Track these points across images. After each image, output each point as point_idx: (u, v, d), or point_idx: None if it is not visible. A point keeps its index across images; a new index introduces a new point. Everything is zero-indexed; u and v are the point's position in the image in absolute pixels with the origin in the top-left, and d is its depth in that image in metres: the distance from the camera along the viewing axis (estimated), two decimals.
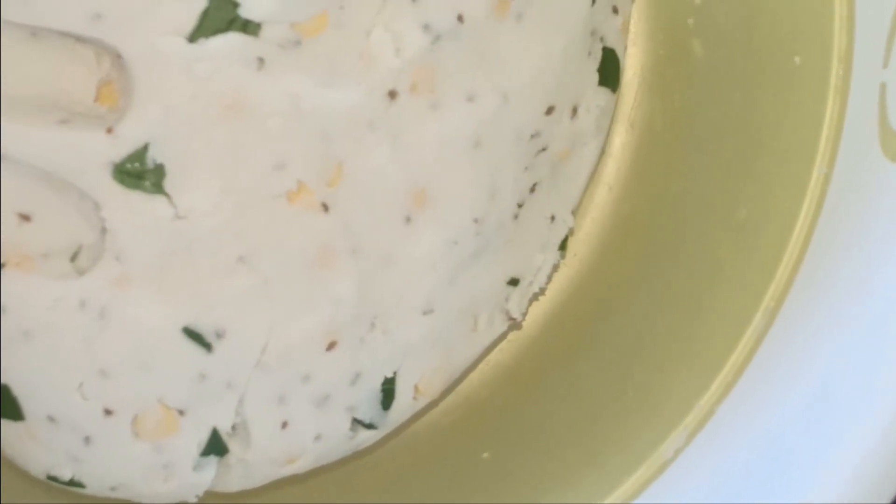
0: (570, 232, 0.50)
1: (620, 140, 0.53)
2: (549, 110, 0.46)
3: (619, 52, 0.49)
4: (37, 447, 0.44)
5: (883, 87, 0.45)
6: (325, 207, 0.43)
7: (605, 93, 0.49)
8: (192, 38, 0.40)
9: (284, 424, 0.45)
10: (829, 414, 0.44)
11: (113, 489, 0.45)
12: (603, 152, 0.52)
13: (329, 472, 0.50)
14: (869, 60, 0.46)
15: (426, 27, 0.42)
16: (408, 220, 0.44)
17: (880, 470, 0.43)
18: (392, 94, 0.42)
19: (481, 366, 0.53)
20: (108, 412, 0.43)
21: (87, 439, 0.43)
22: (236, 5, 0.40)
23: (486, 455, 0.51)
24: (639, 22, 0.52)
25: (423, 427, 0.52)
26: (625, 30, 0.49)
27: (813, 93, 0.47)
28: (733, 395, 0.47)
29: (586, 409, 0.51)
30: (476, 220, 0.45)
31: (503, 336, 0.51)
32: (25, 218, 0.41)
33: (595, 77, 0.48)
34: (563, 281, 0.53)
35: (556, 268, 0.51)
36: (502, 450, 0.51)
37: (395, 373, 0.46)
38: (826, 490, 0.43)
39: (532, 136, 0.46)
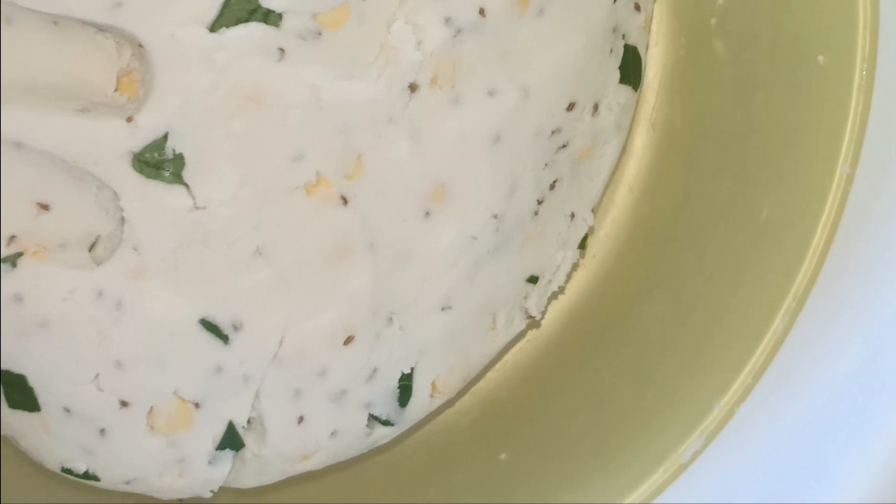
0: (590, 230, 0.49)
1: (641, 140, 0.52)
2: (570, 107, 0.46)
3: (640, 50, 0.49)
4: (52, 439, 0.44)
5: None
6: (344, 200, 0.42)
7: (626, 90, 0.48)
8: (213, 27, 0.40)
9: (300, 419, 0.44)
10: (849, 417, 0.44)
11: (127, 483, 0.45)
12: (624, 151, 0.51)
13: (345, 469, 0.49)
14: (893, 59, 0.46)
15: (448, 20, 0.42)
16: (427, 214, 0.44)
17: None
18: (412, 88, 0.42)
19: (499, 366, 0.52)
20: (123, 404, 0.43)
21: (102, 432, 0.43)
22: None
23: (503, 456, 0.51)
24: (661, 22, 0.51)
25: (440, 427, 0.52)
26: (647, 27, 0.49)
27: (837, 92, 0.47)
28: (753, 397, 0.46)
29: (605, 410, 0.50)
30: (495, 216, 0.45)
31: (522, 335, 0.51)
32: (44, 207, 0.41)
33: (616, 74, 0.48)
34: (583, 281, 0.52)
35: (575, 267, 0.50)
36: (520, 450, 0.51)
37: (412, 369, 0.46)
38: (846, 494, 0.43)
39: (553, 133, 0.45)
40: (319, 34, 0.41)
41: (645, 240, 0.52)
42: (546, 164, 0.46)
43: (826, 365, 0.45)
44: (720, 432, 0.47)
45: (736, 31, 0.50)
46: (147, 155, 0.40)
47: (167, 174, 0.41)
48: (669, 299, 0.51)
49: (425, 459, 0.52)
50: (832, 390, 0.44)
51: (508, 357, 0.52)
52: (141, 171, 0.40)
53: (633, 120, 0.51)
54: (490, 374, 0.52)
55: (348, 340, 0.44)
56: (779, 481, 0.44)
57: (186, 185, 0.41)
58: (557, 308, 0.52)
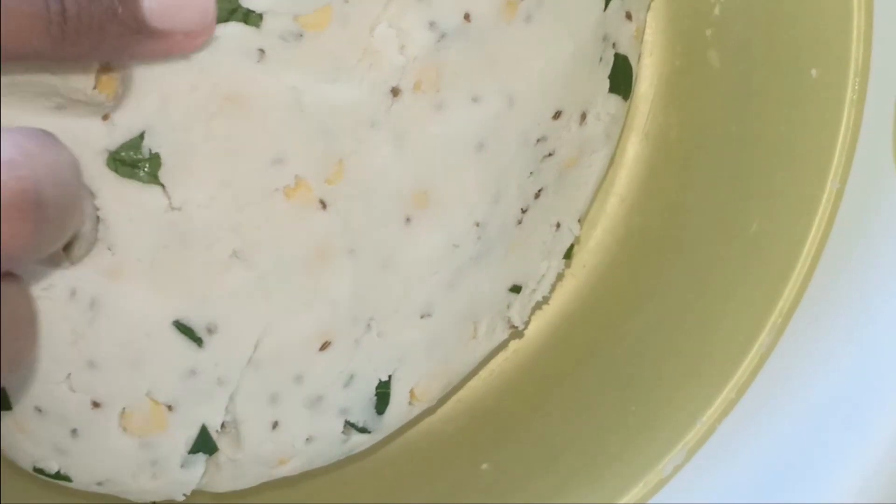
0: (576, 240, 0.49)
1: (634, 151, 0.52)
2: (557, 115, 0.45)
3: (631, 60, 0.48)
4: (24, 438, 0.43)
5: None
6: (324, 204, 0.42)
7: (615, 100, 0.48)
8: None
9: (275, 425, 0.44)
10: (831, 435, 0.44)
11: (100, 484, 0.44)
12: (613, 162, 0.51)
13: (324, 475, 0.49)
14: (886, 75, 0.46)
15: (432, 25, 0.42)
16: (408, 220, 0.43)
17: (882, 492, 0.42)
18: (395, 92, 0.42)
19: (484, 375, 0.52)
20: (95, 405, 0.42)
21: (74, 432, 0.43)
22: None
23: (485, 466, 0.50)
24: (655, 33, 0.51)
25: (422, 435, 0.52)
26: (639, 37, 0.48)
27: (829, 106, 0.47)
28: (735, 412, 0.46)
29: (588, 422, 0.50)
30: (478, 224, 0.44)
31: (504, 344, 0.50)
32: None
33: (606, 84, 0.47)
34: (571, 292, 0.52)
35: (560, 277, 0.50)
36: (502, 461, 0.51)
37: (390, 376, 0.45)
38: None
39: (538, 141, 0.45)
40: (301, 36, 0.40)
41: (635, 251, 0.52)
42: (531, 173, 0.45)
43: (810, 381, 0.45)
44: (702, 447, 0.46)
45: (731, 42, 0.50)
46: (123, 154, 0.40)
47: (143, 174, 0.40)
48: (657, 312, 0.50)
49: (407, 467, 0.51)
50: (815, 407, 0.44)
51: (494, 367, 0.52)
52: (116, 170, 0.40)
53: (623, 130, 0.50)
54: (475, 384, 0.52)
55: (325, 346, 0.43)
56: (758, 497, 0.44)
57: (163, 186, 0.40)
58: (545, 318, 0.52)
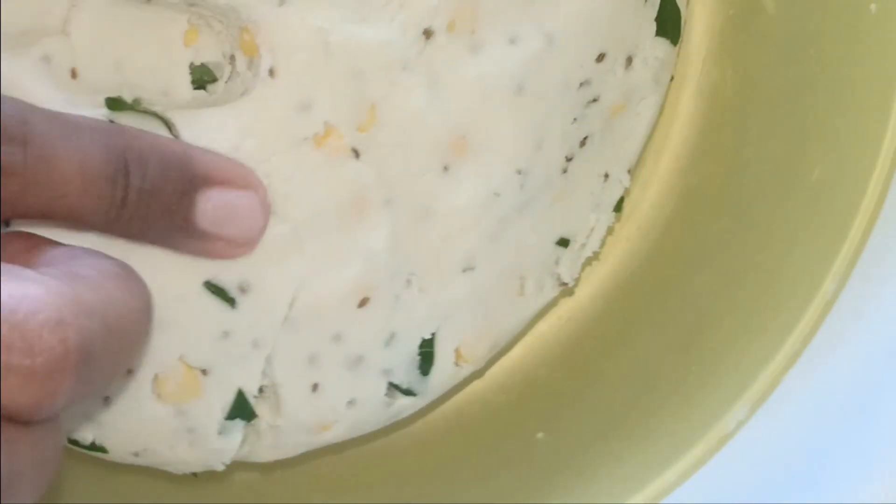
0: (626, 193, 0.47)
1: (688, 108, 0.51)
2: (601, 58, 0.43)
3: (679, 2, 0.46)
4: None
5: None
6: (357, 153, 0.40)
7: (664, 44, 0.46)
8: None
9: (315, 387, 0.43)
10: None
11: (136, 455, 0.43)
12: (667, 119, 0.49)
13: (370, 443, 0.48)
14: None
15: None
16: (445, 169, 0.42)
17: None
18: (428, 34, 0.40)
19: (539, 343, 0.51)
20: (127, 371, 0.41)
21: (106, 400, 0.42)
22: None
23: (540, 435, 0.49)
24: None
25: (474, 404, 0.50)
26: None
27: (890, 42, 0.45)
28: (800, 364, 0.45)
29: (647, 387, 0.48)
30: (520, 172, 0.43)
31: (554, 302, 0.49)
32: None
33: (653, 27, 0.45)
34: (628, 254, 0.51)
35: (611, 231, 0.48)
36: (558, 429, 0.49)
37: (433, 334, 0.44)
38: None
39: (581, 85, 0.43)
40: None
41: (692, 209, 0.50)
42: (575, 119, 0.43)
43: (877, 328, 0.43)
44: (766, 400, 0.44)
45: None
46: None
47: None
48: (718, 270, 0.49)
49: (458, 436, 0.50)
50: (884, 352, 0.42)
51: (549, 336, 0.51)
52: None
53: (677, 85, 0.49)
54: (527, 353, 0.51)
55: (364, 302, 0.42)
56: (825, 451, 0.42)
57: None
58: (601, 283, 0.51)
